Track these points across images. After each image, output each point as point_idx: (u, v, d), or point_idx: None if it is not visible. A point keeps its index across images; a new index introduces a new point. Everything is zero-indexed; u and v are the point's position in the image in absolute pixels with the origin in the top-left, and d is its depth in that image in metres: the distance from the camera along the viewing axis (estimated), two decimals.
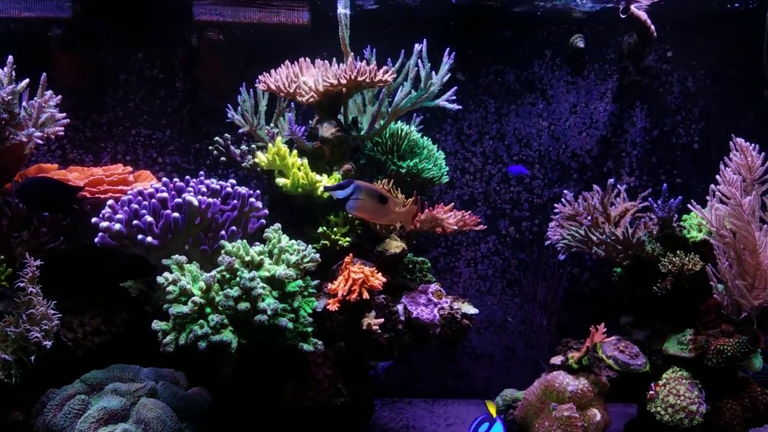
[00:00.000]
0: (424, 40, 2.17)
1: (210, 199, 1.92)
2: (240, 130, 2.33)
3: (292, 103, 2.38)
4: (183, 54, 2.59)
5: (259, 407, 2.04)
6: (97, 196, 2.16)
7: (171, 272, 1.84)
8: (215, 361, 1.92)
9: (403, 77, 2.27)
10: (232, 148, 2.31)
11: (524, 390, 2.21)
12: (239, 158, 2.30)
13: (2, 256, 2.05)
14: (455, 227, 2.14)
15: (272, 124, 2.38)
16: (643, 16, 2.54)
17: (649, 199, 2.31)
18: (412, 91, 2.24)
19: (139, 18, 2.53)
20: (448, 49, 2.23)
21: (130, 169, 2.43)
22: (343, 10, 2.27)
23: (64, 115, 2.12)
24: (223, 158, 2.33)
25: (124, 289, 2.33)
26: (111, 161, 2.61)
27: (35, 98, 2.09)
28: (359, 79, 2.13)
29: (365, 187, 1.96)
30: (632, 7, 2.52)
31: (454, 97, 2.22)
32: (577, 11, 2.64)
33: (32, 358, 1.96)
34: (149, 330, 2.30)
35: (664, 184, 2.32)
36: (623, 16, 2.52)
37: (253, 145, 2.29)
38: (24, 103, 2.10)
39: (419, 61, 2.20)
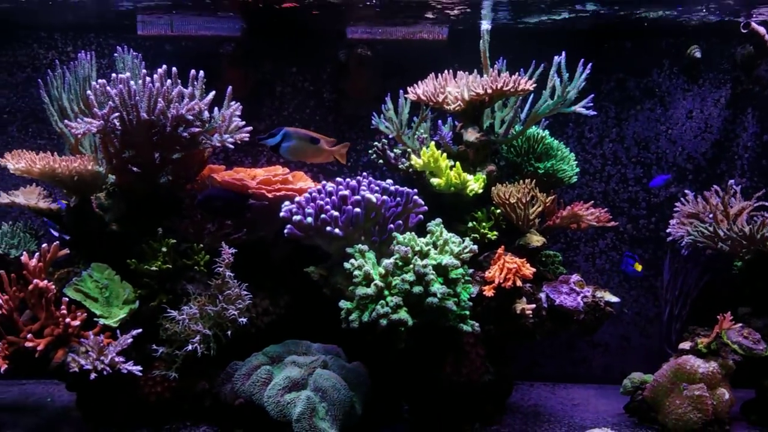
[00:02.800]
0: (563, 52, 2.40)
1: (384, 197, 2.20)
2: (390, 136, 2.61)
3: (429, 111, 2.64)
4: (331, 68, 2.90)
5: (418, 380, 2.31)
6: (273, 194, 2.49)
7: (355, 259, 2.13)
8: (387, 338, 2.17)
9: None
10: (388, 151, 2.59)
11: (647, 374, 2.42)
12: (393, 161, 2.58)
13: (201, 245, 2.40)
14: (594, 223, 2.37)
15: (414, 130, 2.65)
16: (762, 30, 2.72)
17: None
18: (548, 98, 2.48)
19: (296, 37, 2.85)
20: (582, 60, 2.45)
21: (287, 170, 2.76)
22: (486, 26, 2.52)
23: (244, 123, 2.45)
24: (380, 161, 2.62)
25: (286, 275, 2.67)
26: (267, 163, 2.93)
27: (223, 108, 2.42)
28: (504, 88, 2.38)
29: (294, 132, 2.29)
30: (752, 23, 2.69)
31: (591, 104, 2.44)
32: (696, 21, 2.83)
33: (229, 333, 2.29)
34: (307, 311, 2.65)
35: None
36: (744, 31, 2.71)
37: (408, 149, 2.56)
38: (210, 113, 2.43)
39: (556, 70, 2.43)
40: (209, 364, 2.35)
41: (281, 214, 2.31)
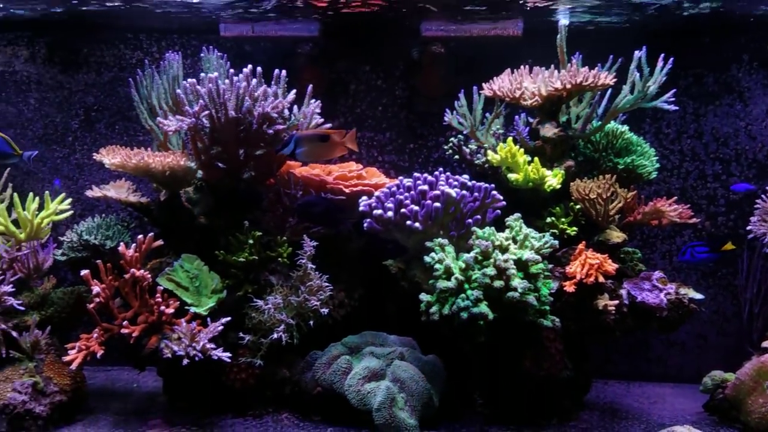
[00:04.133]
0: (644, 47, 2.38)
1: (463, 191, 2.23)
2: (464, 132, 2.63)
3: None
4: (404, 66, 2.94)
5: (495, 374, 2.33)
6: (350, 189, 2.55)
7: (435, 253, 2.17)
8: (466, 331, 2.20)
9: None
10: (464, 147, 2.62)
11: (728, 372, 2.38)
12: (469, 156, 2.61)
13: (284, 238, 2.48)
14: (677, 219, 2.34)
15: (488, 126, 2.66)
16: None
17: None
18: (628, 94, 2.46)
19: (370, 36, 2.90)
20: (663, 54, 2.42)
21: (360, 166, 2.81)
22: (564, 21, 2.52)
23: (323, 120, 2.52)
24: (456, 156, 2.65)
25: (360, 269, 2.73)
26: (340, 160, 2.99)
27: (303, 106, 2.50)
28: (584, 83, 2.38)
29: (303, 135, 2.32)
30: None
31: (673, 99, 2.41)
32: None
33: (311, 323, 2.36)
34: (379, 304, 2.70)
35: None
36: None
37: (483, 145, 2.58)
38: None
39: (637, 65, 2.41)
40: (289, 352, 2.44)
41: (360, 208, 2.37)
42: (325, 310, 2.34)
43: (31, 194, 2.41)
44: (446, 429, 2.28)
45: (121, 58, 2.96)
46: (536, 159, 2.39)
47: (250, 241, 2.40)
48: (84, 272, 2.17)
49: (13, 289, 2.36)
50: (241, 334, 2.33)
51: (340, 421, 2.30)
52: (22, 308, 2.39)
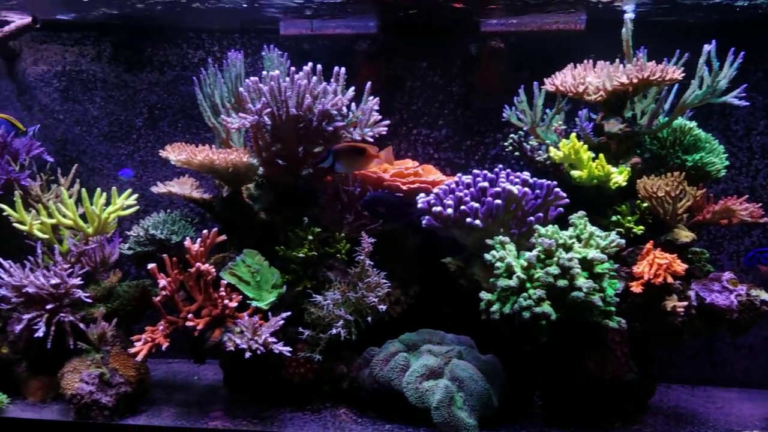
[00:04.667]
0: (713, 41, 2.30)
1: (525, 189, 2.20)
2: (524, 128, 2.59)
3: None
4: (461, 62, 2.92)
5: (556, 375, 2.29)
6: (408, 186, 2.54)
7: (496, 251, 2.14)
8: (527, 331, 2.16)
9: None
10: (524, 144, 2.58)
11: None
12: (530, 153, 2.57)
13: (342, 234, 2.50)
14: (748, 219, 2.25)
15: (549, 122, 2.61)
16: None
17: None
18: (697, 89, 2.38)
19: (427, 32, 2.89)
20: (733, 48, 2.33)
21: (416, 163, 2.81)
22: (629, 14, 2.45)
23: (381, 117, 2.52)
24: (516, 153, 2.61)
25: (416, 266, 2.72)
26: (395, 157, 2.99)
27: (362, 103, 2.50)
28: (651, 77, 2.31)
29: (340, 148, 2.38)
30: None
31: (744, 94, 2.31)
32: None
33: (369, 319, 2.37)
34: (434, 302, 2.69)
35: None
36: None
37: (544, 142, 2.54)
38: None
39: (705, 60, 2.32)
40: (346, 348, 2.45)
41: (419, 205, 2.36)
42: (383, 307, 2.34)
43: (98, 189, 2.49)
44: (506, 430, 2.25)
45: (183, 57, 3.02)
46: (601, 155, 2.33)
47: (310, 237, 2.42)
48: (151, 266, 2.23)
49: (82, 282, 2.45)
50: (300, 329, 2.36)
51: (397, 418, 2.30)
52: (90, 301, 2.48)
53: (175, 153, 2.43)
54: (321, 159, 2.40)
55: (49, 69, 3.08)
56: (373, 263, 2.41)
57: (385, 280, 2.38)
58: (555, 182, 2.29)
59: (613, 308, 2.10)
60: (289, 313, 2.27)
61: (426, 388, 2.23)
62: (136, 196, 2.54)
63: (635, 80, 2.31)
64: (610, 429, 2.25)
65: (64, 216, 2.49)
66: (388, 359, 2.36)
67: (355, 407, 2.43)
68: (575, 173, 2.35)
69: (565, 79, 2.48)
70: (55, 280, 2.36)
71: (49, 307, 2.38)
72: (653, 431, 2.27)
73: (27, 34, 2.98)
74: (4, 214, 2.48)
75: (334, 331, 2.30)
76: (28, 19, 2.86)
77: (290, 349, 2.22)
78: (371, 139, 2.46)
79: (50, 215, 2.49)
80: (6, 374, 2.53)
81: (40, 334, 2.32)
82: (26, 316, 2.37)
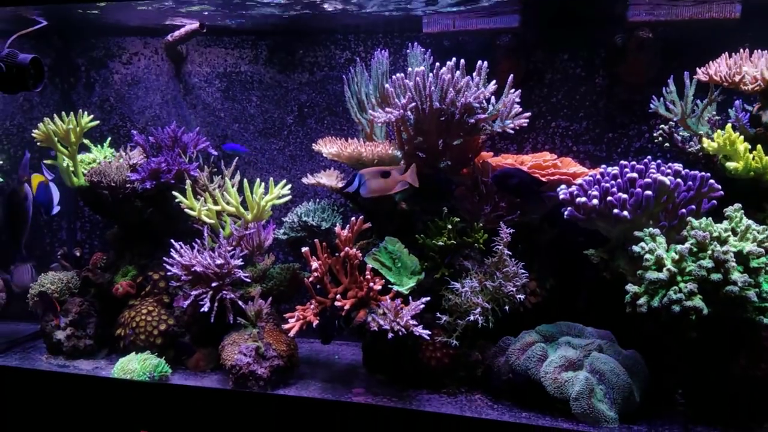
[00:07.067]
0: None
1: (678, 180, 2.14)
2: (674, 119, 2.52)
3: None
4: (605, 53, 2.87)
5: (702, 372, 2.20)
6: (547, 178, 2.55)
7: (645, 243, 2.11)
8: (675, 326, 2.10)
9: None
10: (675, 135, 2.50)
11: None
12: (681, 144, 2.49)
13: (480, 225, 2.56)
14: None
15: (701, 112, 2.51)
16: None
17: None
18: None
19: (569, 24, 2.87)
20: None
21: (554, 156, 2.80)
22: None
23: (521, 109, 2.54)
24: (666, 144, 2.55)
25: (552, 260, 2.72)
26: (532, 150, 3.00)
27: (503, 96, 2.55)
28: None
29: (366, 172, 2.45)
30: None
31: None
32: None
33: (507, 308, 2.42)
34: (570, 296, 2.68)
35: None
36: None
37: (696, 133, 2.45)
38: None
39: None
40: (481, 336, 2.51)
41: (561, 196, 2.37)
42: (521, 297, 2.37)
43: (258, 180, 2.74)
44: (648, 425, 2.20)
45: (331, 58, 3.22)
46: (758, 147, 2.21)
47: (449, 227, 2.51)
48: (304, 249, 2.42)
49: (242, 263, 2.71)
50: (437, 315, 2.45)
51: (533, 407, 2.33)
52: (248, 280, 2.73)
53: (327, 146, 2.62)
54: (346, 183, 2.51)
55: (212, 70, 3.40)
56: (510, 254, 2.45)
57: (522, 270, 2.41)
58: (709, 174, 2.20)
59: None
60: (428, 298, 2.36)
61: (565, 379, 2.23)
62: (290, 186, 2.76)
63: None
64: (759, 429, 2.12)
65: (228, 203, 2.76)
66: (525, 349, 2.39)
67: (489, 394, 2.48)
68: (730, 165, 2.24)
69: (719, 68, 2.38)
70: (220, 261, 2.63)
71: (214, 285, 2.65)
72: None
73: (193, 38, 3.32)
74: (176, 200, 2.80)
75: (471, 317, 2.37)
76: (195, 25, 3.17)
77: (429, 333, 2.31)
78: (511, 131, 2.50)
79: (216, 202, 2.78)
80: (170, 346, 2.85)
81: (205, 309, 2.60)
82: (194, 292, 2.66)
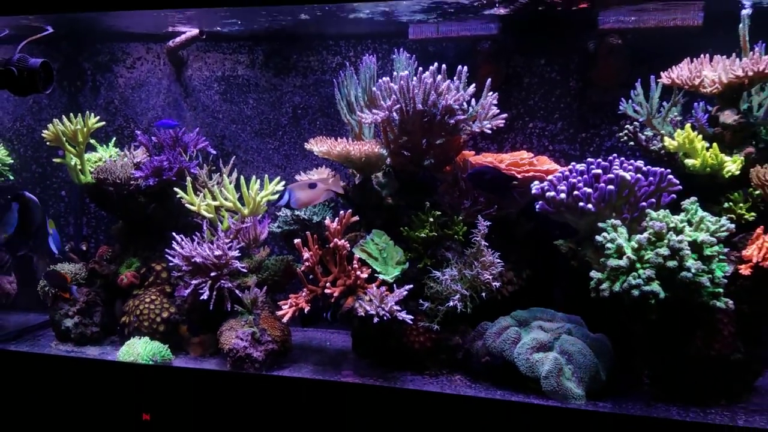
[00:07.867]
0: None
1: (638, 175, 2.33)
2: (640, 120, 2.71)
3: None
4: (578, 58, 3.07)
5: (663, 353, 2.40)
6: (523, 175, 2.74)
7: (607, 233, 2.30)
8: (635, 309, 2.29)
9: None
10: (639, 134, 2.70)
11: None
12: (645, 143, 2.69)
13: (459, 218, 2.76)
14: None
15: (665, 114, 2.70)
16: None
17: None
18: None
19: (546, 32, 3.07)
20: None
21: (531, 154, 2.99)
22: (746, 10, 2.50)
23: (499, 111, 2.74)
24: (631, 143, 2.74)
25: (527, 252, 2.91)
26: (511, 149, 3.20)
27: (481, 99, 2.74)
28: (766, 71, 2.35)
29: (295, 186, 2.79)
30: None
31: None
32: None
33: (483, 295, 2.61)
34: (544, 286, 2.87)
35: None
36: None
37: (659, 132, 2.64)
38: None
39: None
40: (461, 322, 2.71)
41: (533, 191, 2.56)
42: (496, 284, 2.57)
43: (254, 177, 2.93)
44: (613, 402, 2.39)
45: (323, 62, 3.41)
46: (714, 145, 2.40)
47: (430, 220, 2.70)
48: (297, 241, 2.61)
49: (239, 255, 2.90)
50: (420, 302, 2.64)
51: (507, 386, 2.52)
52: (245, 271, 2.92)
53: (318, 145, 2.81)
54: (278, 198, 2.82)
55: (211, 74, 3.59)
56: (488, 245, 2.65)
57: (498, 260, 2.61)
58: (668, 170, 2.39)
59: (721, 289, 2.19)
60: (411, 286, 2.55)
61: (536, 359, 2.43)
62: (284, 183, 2.95)
63: (751, 73, 2.37)
64: (715, 406, 2.31)
65: (226, 199, 2.95)
66: (501, 332, 2.58)
67: (468, 375, 2.66)
68: (689, 162, 2.44)
69: (681, 72, 2.57)
70: (218, 252, 2.82)
71: (212, 274, 2.84)
72: (759, 410, 2.30)
73: (193, 44, 3.51)
74: (177, 196, 2.99)
75: (451, 303, 2.57)
76: (195, 31, 3.37)
77: (412, 317, 2.50)
78: (489, 131, 2.69)
79: (214, 198, 2.97)
80: (171, 333, 3.03)
81: (204, 297, 2.78)
82: (194, 282, 2.84)
